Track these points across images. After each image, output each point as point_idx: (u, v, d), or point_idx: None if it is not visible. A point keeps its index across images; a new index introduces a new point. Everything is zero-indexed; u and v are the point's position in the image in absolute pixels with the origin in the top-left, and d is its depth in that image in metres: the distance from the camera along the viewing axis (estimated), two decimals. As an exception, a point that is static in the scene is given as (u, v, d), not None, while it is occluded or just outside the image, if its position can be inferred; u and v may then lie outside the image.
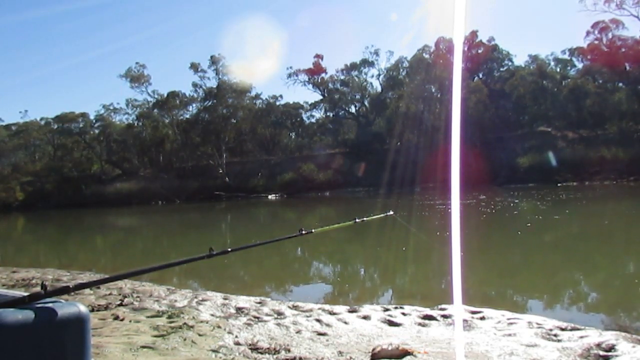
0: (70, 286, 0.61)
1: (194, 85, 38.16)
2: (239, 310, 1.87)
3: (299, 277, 4.53)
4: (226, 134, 36.32)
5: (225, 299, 2.37)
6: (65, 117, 37.67)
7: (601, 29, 32.91)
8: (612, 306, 2.90)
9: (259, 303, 2.01)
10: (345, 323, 1.60)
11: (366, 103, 40.36)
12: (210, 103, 37.13)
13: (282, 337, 1.42)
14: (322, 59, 40.25)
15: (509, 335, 1.38)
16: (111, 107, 39.06)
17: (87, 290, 2.38)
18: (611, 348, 1.22)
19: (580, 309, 2.90)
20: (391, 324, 1.58)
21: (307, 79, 40.33)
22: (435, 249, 5.08)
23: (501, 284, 3.76)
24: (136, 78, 36.94)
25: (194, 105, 38.66)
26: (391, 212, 1.42)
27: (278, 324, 1.59)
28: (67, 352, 0.55)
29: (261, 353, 1.21)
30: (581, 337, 1.33)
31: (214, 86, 37.18)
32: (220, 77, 37.01)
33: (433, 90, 34.67)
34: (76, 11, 60.21)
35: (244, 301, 2.11)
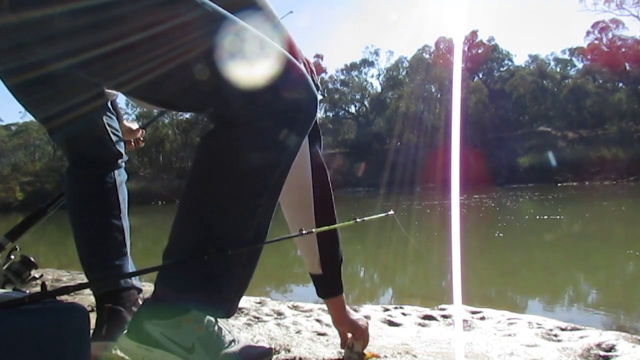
0: (70, 286, 0.61)
1: (194, 85, 38.22)
2: (239, 310, 1.87)
3: (299, 277, 4.53)
4: (226, 134, 36.40)
5: (225, 299, 2.37)
6: (65, 117, 37.69)
7: (601, 29, 32.97)
8: (612, 306, 2.91)
9: (259, 303, 2.01)
10: (345, 323, 1.60)
11: (366, 103, 40.39)
12: (210, 103, 37.21)
13: (282, 337, 1.42)
14: (322, 59, 40.32)
15: (509, 335, 1.38)
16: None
17: (87, 290, 2.37)
18: (611, 348, 1.22)
19: (580, 309, 2.90)
20: (391, 324, 1.58)
21: (307, 79, 40.40)
22: (435, 249, 5.08)
23: (501, 284, 3.76)
24: (136, 78, 37.00)
25: (193, 105, 38.75)
26: (392, 212, 1.41)
27: (278, 324, 1.59)
28: (67, 352, 0.55)
29: (261, 353, 1.21)
30: (581, 337, 1.33)
31: (214, 86, 37.24)
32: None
33: (433, 90, 34.71)
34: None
35: (243, 301, 2.11)
